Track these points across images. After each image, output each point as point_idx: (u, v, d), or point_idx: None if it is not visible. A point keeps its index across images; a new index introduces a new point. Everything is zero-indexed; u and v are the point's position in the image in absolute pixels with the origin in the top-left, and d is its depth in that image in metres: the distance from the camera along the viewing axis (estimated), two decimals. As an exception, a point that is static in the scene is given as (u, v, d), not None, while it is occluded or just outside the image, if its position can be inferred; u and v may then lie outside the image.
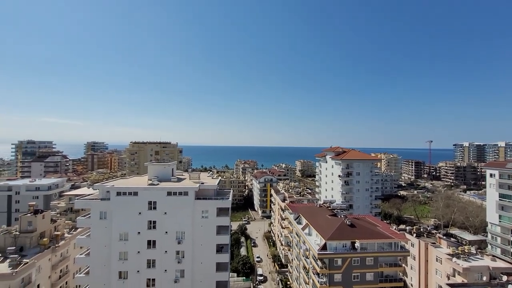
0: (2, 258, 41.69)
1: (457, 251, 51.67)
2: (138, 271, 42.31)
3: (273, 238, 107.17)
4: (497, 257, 58.14)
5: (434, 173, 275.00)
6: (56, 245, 48.63)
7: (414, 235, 62.08)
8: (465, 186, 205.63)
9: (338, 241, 49.93)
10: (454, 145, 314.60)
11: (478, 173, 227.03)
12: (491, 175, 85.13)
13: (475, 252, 52.53)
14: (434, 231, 67.48)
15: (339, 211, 64.13)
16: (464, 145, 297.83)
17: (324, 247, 49.43)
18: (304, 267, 58.45)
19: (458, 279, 47.66)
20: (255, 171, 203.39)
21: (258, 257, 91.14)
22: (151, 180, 47.36)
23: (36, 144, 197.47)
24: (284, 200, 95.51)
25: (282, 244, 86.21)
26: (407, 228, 66.72)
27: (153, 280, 42.64)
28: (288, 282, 73.94)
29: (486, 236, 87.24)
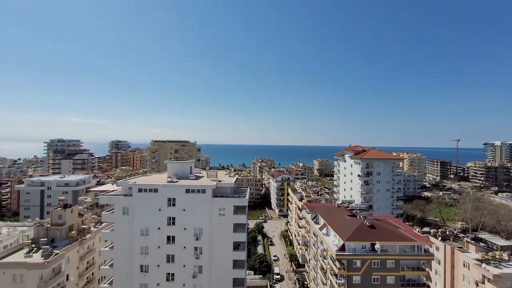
0: (35, 248, 44.84)
1: (487, 257, 48.58)
2: (158, 265, 43.71)
3: (290, 237, 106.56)
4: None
5: (461, 173, 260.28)
6: (83, 238, 51.45)
7: (439, 238, 59.14)
8: (496, 188, 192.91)
9: (357, 242, 48.67)
10: (484, 144, 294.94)
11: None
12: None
13: (507, 258, 49.09)
14: (461, 235, 63.80)
15: (358, 211, 62.47)
16: (495, 144, 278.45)
17: (342, 248, 48.42)
18: (322, 268, 57.62)
19: (488, 287, 44.84)
20: (272, 169, 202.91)
21: (275, 256, 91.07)
22: (170, 177, 48.68)
23: (65, 142, 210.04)
24: (301, 199, 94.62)
25: (299, 244, 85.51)
26: (432, 231, 63.66)
27: (173, 274, 43.84)
28: (306, 282, 73.25)
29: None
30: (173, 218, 44.11)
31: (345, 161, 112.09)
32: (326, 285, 54.21)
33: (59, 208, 51.20)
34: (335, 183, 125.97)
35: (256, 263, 78.36)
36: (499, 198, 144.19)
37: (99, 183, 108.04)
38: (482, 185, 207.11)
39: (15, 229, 57.40)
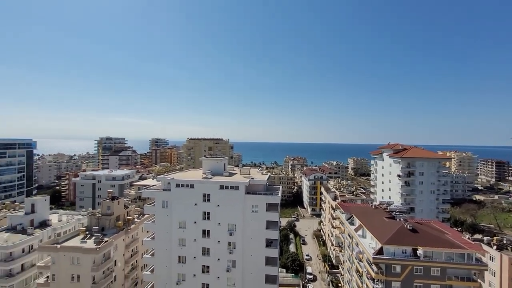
0: (89, 235, 50.05)
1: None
2: (194, 257, 45.87)
3: (323, 237, 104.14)
4: None
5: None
6: (129, 227, 55.99)
7: (495, 247, 53.01)
8: None
9: (396, 246, 45.84)
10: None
11: None
12: None
13: None
14: (522, 245, 56.46)
15: (398, 213, 58.69)
16: None
17: (380, 251, 46.02)
18: (357, 271, 55.40)
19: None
20: (304, 168, 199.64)
21: (307, 255, 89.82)
22: (205, 174, 50.57)
23: (112, 140, 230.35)
24: (335, 198, 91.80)
25: (332, 244, 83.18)
26: (485, 238, 57.32)
27: (208, 267, 45.69)
28: (340, 284, 71.09)
29: None
30: (208, 213, 45.84)
31: (383, 160, 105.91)
32: (361, 289, 52.05)
33: (108, 200, 56.30)
34: (371, 183, 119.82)
35: (288, 261, 78.06)
36: None
37: (141, 178, 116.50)
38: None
39: (72, 217, 64.73)
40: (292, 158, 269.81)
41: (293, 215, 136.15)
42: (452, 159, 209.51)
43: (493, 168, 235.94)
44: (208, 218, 45.80)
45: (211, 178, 48.30)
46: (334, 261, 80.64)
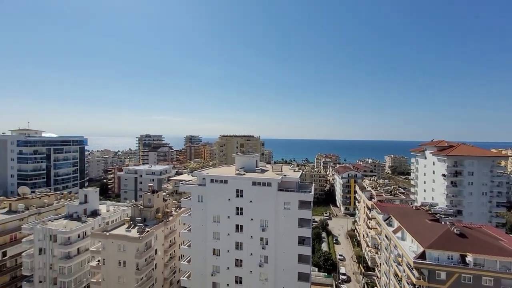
0: (133, 225, 54.30)
1: None
2: (228, 251, 47.36)
3: (358, 237, 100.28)
4: None
5: None
6: (167, 219, 59.60)
7: None
8: None
9: (441, 251, 42.49)
10: None
11: None
12: None
13: None
14: None
15: (443, 216, 54.22)
16: None
17: (422, 256, 43.03)
18: (396, 274, 52.49)
19: None
20: (337, 165, 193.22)
21: (340, 255, 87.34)
22: (238, 170, 51.65)
23: (151, 137, 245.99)
24: (370, 198, 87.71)
25: (368, 245, 79.71)
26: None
27: (241, 261, 46.85)
28: (375, 287, 68.06)
29: None
30: (241, 209, 46.86)
31: (425, 158, 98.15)
32: (400, 294, 49.25)
33: (149, 193, 60.45)
34: (412, 182, 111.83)
35: (320, 260, 76.75)
36: None
37: (177, 173, 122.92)
38: None
39: (118, 208, 70.66)
40: (324, 156, 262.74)
41: (325, 213, 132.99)
42: (509, 158, 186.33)
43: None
44: (241, 213, 46.81)
45: (244, 174, 49.16)
46: (369, 262, 77.27)
